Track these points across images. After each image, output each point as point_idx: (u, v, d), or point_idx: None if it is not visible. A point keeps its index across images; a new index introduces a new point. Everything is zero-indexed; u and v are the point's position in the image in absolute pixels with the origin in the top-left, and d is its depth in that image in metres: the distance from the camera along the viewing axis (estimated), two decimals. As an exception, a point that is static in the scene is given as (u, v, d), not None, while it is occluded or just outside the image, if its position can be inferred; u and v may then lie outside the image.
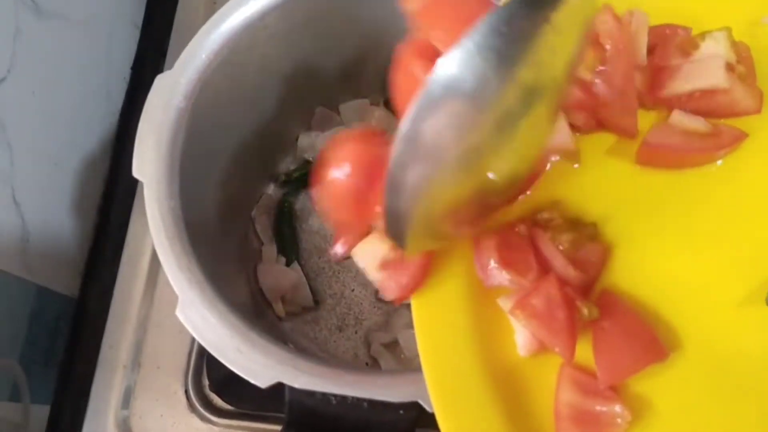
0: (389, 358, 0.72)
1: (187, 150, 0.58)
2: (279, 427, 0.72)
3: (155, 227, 0.55)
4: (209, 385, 0.75)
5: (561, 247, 0.47)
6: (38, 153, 0.80)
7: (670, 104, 0.51)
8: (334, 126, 0.80)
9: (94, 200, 0.92)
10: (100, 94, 0.92)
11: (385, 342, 0.73)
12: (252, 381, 0.51)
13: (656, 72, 0.51)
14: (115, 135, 0.95)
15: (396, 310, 0.77)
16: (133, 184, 0.90)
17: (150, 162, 0.57)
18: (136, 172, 0.56)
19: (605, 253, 0.49)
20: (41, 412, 0.83)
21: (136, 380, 0.78)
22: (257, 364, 0.51)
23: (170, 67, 0.90)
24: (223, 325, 0.52)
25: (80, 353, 0.85)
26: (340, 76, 0.76)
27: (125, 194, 0.90)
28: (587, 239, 0.48)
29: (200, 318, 0.53)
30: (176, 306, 0.77)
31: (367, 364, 0.74)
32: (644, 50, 0.50)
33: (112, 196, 0.92)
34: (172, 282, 0.54)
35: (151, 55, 0.97)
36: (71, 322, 0.87)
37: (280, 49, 0.67)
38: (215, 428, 0.75)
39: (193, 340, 0.77)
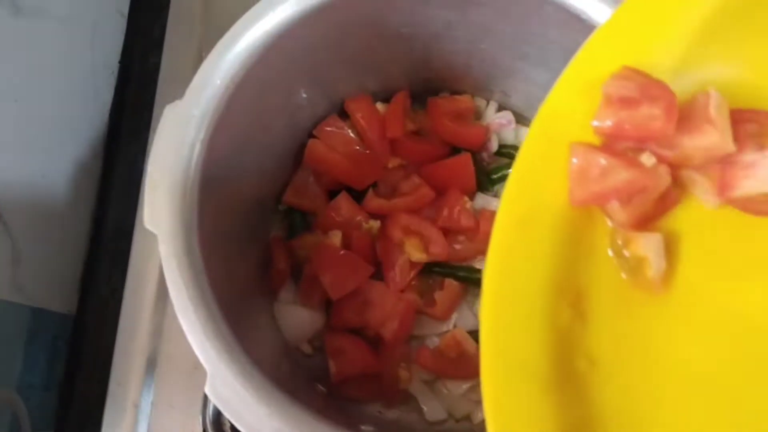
0: (429, 396, 0.67)
1: (205, 189, 0.51)
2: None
3: (175, 288, 0.48)
4: (231, 427, 0.70)
5: None
6: (24, 165, 0.75)
7: (741, 206, 0.44)
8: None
9: (86, 209, 0.87)
10: (87, 93, 0.87)
11: (425, 378, 0.68)
12: (297, 467, 0.45)
13: (725, 167, 0.43)
14: (105, 135, 0.89)
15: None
16: (127, 189, 0.86)
17: (163, 210, 0.49)
18: (149, 224, 0.49)
19: None
20: (44, 439, 0.80)
21: (149, 421, 0.73)
22: (303, 447, 0.45)
23: (162, 58, 0.85)
24: (260, 401, 0.46)
25: (81, 371, 0.81)
26: (358, 84, 0.70)
27: (120, 199, 0.86)
28: None
29: (233, 393, 0.46)
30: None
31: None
32: (729, 136, 0.42)
33: (106, 203, 0.87)
34: (197, 353, 0.47)
35: (139, 45, 0.91)
36: (70, 340, 0.83)
37: (297, 66, 0.59)
38: (239, 472, 0.70)
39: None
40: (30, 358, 0.76)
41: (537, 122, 0.44)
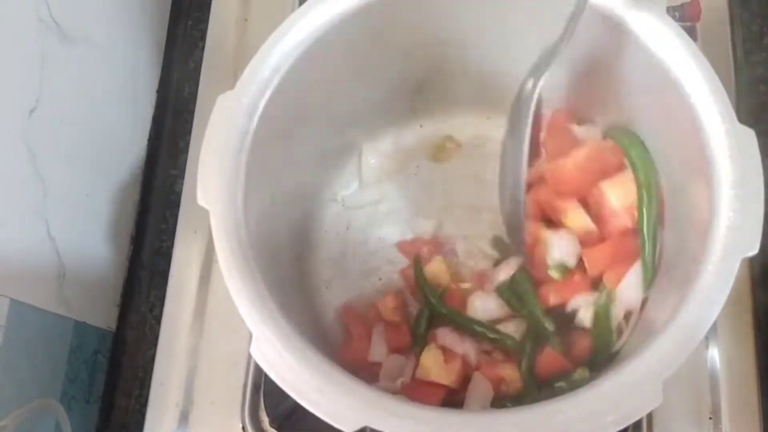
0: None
1: (251, 174, 0.55)
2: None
3: (224, 259, 0.51)
4: (269, 421, 0.72)
5: None
6: (70, 184, 0.78)
7: None
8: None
9: (126, 229, 0.90)
10: (127, 120, 0.89)
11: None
12: (337, 426, 0.47)
13: None
14: (144, 161, 0.92)
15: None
16: (164, 211, 0.89)
17: (214, 189, 0.53)
18: (202, 200, 0.53)
19: None
20: (84, 452, 0.81)
21: (189, 418, 0.75)
22: (342, 405, 0.47)
23: (199, 88, 0.89)
24: (302, 363, 0.48)
25: (120, 387, 0.83)
26: (405, 86, 0.73)
27: (156, 221, 0.89)
28: None
29: (276, 355, 0.49)
30: (228, 337, 0.76)
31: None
32: None
33: (144, 224, 0.90)
34: (245, 318, 0.50)
35: (175, 75, 0.94)
36: (110, 355, 0.85)
37: (344, 63, 0.63)
38: (278, 465, 0.71)
39: (248, 372, 0.74)
40: (72, 371, 0.78)
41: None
